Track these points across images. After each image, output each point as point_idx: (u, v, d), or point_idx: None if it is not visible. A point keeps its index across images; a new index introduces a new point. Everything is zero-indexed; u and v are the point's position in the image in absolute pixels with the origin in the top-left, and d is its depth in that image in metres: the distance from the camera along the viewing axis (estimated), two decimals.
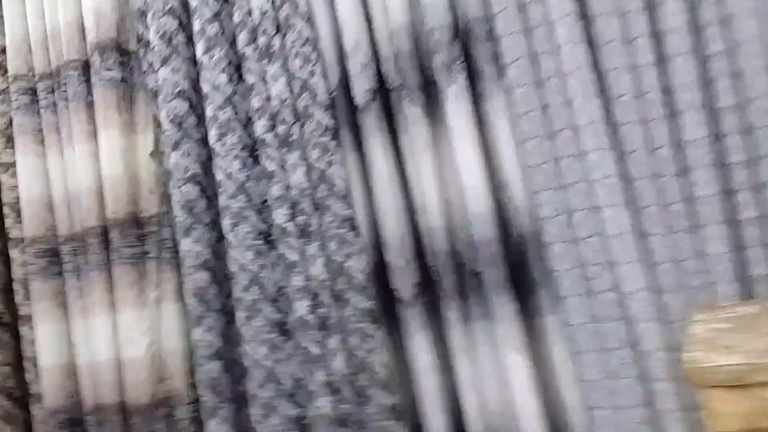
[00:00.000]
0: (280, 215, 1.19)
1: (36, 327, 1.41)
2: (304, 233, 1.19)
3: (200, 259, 1.26)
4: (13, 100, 1.41)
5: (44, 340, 1.39)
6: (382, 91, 1.17)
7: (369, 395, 1.15)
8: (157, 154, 1.33)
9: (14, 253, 1.43)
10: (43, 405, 1.40)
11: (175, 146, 1.26)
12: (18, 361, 1.49)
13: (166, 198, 1.33)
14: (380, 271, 1.20)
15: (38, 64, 1.40)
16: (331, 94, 1.20)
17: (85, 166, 1.34)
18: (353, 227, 1.19)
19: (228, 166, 1.21)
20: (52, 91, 1.40)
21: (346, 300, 1.18)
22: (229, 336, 1.31)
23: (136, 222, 1.32)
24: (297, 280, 1.18)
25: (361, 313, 1.17)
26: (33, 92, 1.42)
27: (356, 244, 1.19)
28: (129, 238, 1.31)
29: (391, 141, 1.18)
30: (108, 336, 1.34)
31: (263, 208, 1.23)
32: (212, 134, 1.22)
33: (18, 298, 1.45)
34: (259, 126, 1.20)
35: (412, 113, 1.15)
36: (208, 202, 1.29)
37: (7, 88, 1.43)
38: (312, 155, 1.19)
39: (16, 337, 1.48)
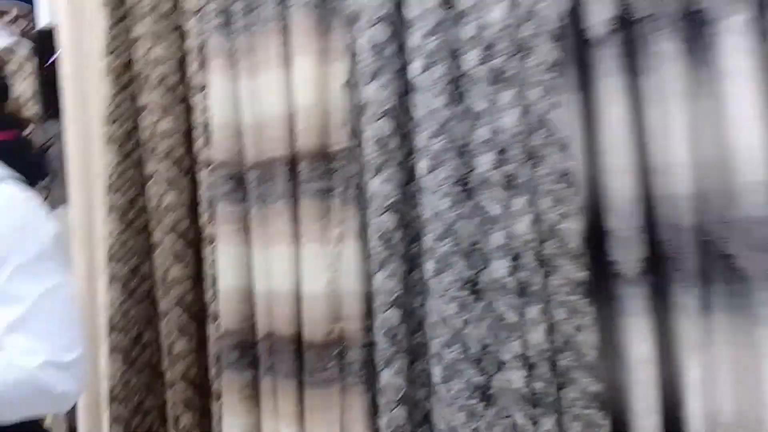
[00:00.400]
0: (484, 161, 1.05)
1: (217, 248, 1.42)
2: (510, 184, 1.04)
3: (389, 199, 1.16)
4: (207, 20, 1.38)
5: (224, 262, 1.41)
6: (625, 21, 0.96)
7: (571, 377, 1.01)
8: (350, 84, 1.24)
9: (202, 174, 1.45)
10: (219, 324, 1.43)
11: (373, 77, 1.15)
12: (198, 279, 1.54)
13: (356, 132, 1.24)
14: (598, 238, 1.03)
15: None
16: (561, 22, 1.01)
17: (276, 93, 1.29)
18: (572, 183, 1.02)
19: (431, 102, 1.08)
20: (247, 12, 1.34)
21: (555, 266, 1.02)
22: (410, 284, 1.22)
23: (324, 155, 1.26)
24: (497, 237, 1.05)
25: (572, 283, 1.01)
26: (227, 13, 1.37)
27: (573, 204, 1.01)
28: (316, 172, 1.25)
29: (631, 83, 0.97)
30: (287, 267, 1.31)
31: (465, 152, 1.09)
32: (415, 65, 1.09)
33: (203, 218, 1.47)
34: (471, 57, 1.04)
35: (665, 49, 0.92)
36: (401, 140, 1.17)
37: (203, 7, 1.40)
38: (531, 95, 1.01)
39: (199, 255, 1.52)
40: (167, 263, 1.51)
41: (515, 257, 1.05)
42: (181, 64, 1.49)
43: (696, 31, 0.90)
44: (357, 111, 1.22)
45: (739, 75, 0.84)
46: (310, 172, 1.25)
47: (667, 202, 0.96)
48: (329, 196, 1.26)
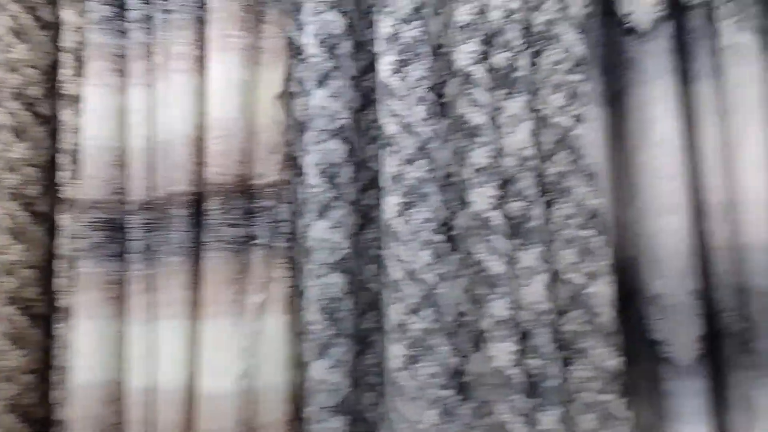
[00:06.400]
0: (481, 197, 0.74)
1: (76, 325, 0.98)
2: (518, 230, 0.74)
3: (337, 253, 0.82)
4: (90, 10, 1.02)
5: (84, 346, 0.96)
6: (680, 6, 0.72)
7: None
8: (287, 95, 0.91)
9: (64, 219, 1.03)
10: None
11: (322, 81, 0.83)
12: (47, 369, 1.07)
13: (290, 161, 0.91)
14: (630, 306, 0.73)
15: None
16: (589, 7, 0.76)
17: (183, 104, 0.93)
18: (603, 229, 0.73)
19: (407, 113, 0.77)
20: (148, 1, 1.00)
21: (582, 350, 0.71)
22: (359, 375, 0.85)
23: (246, 191, 0.90)
24: (498, 307, 0.72)
25: (605, 375, 0.70)
26: (120, 2, 1.02)
27: (604, 258, 0.72)
28: (233, 213, 0.88)
29: (687, 90, 0.72)
30: (181, 353, 0.90)
31: (452, 185, 0.78)
32: (386, 63, 0.79)
33: (60, 282, 1.03)
34: (464, 53, 0.76)
35: (738, 43, 0.69)
36: (357, 169, 0.85)
37: None
38: (549, 103, 0.74)
39: (51, 335, 1.06)
40: (3, 347, 1.04)
41: (523, 337, 0.72)
42: (52, 71, 1.10)
43: None
44: (296, 129, 0.89)
45: None
46: (224, 214, 0.88)
47: (736, 256, 0.69)
48: (248, 248, 0.89)
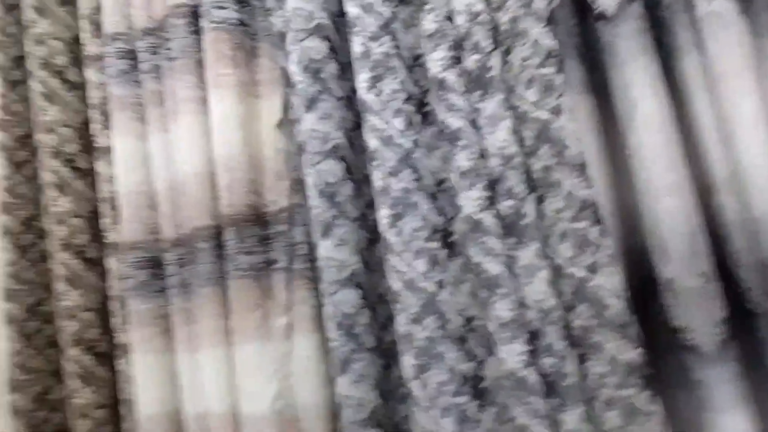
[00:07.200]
0: (470, 200, 0.73)
1: (134, 361, 1.06)
2: (512, 229, 0.72)
3: (346, 270, 0.84)
4: (108, 66, 1.10)
5: (144, 380, 1.04)
6: None
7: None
8: (287, 124, 0.94)
9: (111, 263, 1.11)
10: None
11: (310, 105, 0.85)
12: (116, 403, 1.16)
13: (298, 185, 0.94)
14: (647, 294, 0.70)
15: (139, 17, 1.08)
16: (551, 2, 0.73)
17: (191, 143, 0.98)
18: (598, 218, 0.70)
19: (385, 127, 0.78)
20: (155, 51, 1.06)
21: (595, 345, 0.69)
22: (389, 388, 0.87)
23: (258, 219, 0.94)
24: (502, 308, 0.71)
25: (624, 369, 0.67)
26: (132, 55, 1.10)
27: (605, 248, 0.69)
28: (249, 242, 0.92)
29: (669, 66, 0.68)
30: (220, 379, 0.95)
31: (441, 191, 0.78)
32: (361, 81, 0.80)
33: (115, 321, 1.12)
34: (435, 61, 0.75)
35: (715, 11, 0.64)
36: (356, 187, 0.87)
37: (104, 52, 1.12)
38: (525, 99, 0.72)
39: (115, 371, 1.16)
40: (74, 386, 1.14)
41: (532, 336, 0.71)
42: (85, 128, 1.19)
43: None
44: (296, 157, 0.92)
45: None
46: (240, 243, 0.92)
47: (750, 231, 0.64)
48: (269, 272, 0.93)
